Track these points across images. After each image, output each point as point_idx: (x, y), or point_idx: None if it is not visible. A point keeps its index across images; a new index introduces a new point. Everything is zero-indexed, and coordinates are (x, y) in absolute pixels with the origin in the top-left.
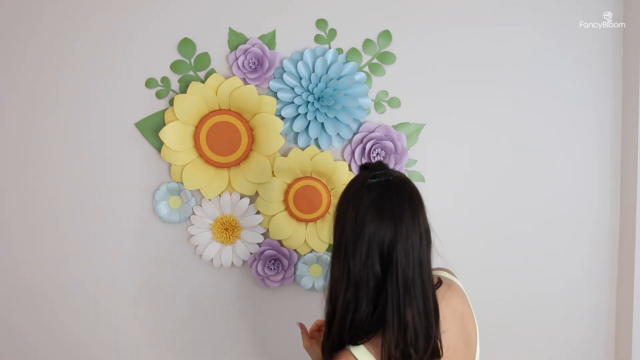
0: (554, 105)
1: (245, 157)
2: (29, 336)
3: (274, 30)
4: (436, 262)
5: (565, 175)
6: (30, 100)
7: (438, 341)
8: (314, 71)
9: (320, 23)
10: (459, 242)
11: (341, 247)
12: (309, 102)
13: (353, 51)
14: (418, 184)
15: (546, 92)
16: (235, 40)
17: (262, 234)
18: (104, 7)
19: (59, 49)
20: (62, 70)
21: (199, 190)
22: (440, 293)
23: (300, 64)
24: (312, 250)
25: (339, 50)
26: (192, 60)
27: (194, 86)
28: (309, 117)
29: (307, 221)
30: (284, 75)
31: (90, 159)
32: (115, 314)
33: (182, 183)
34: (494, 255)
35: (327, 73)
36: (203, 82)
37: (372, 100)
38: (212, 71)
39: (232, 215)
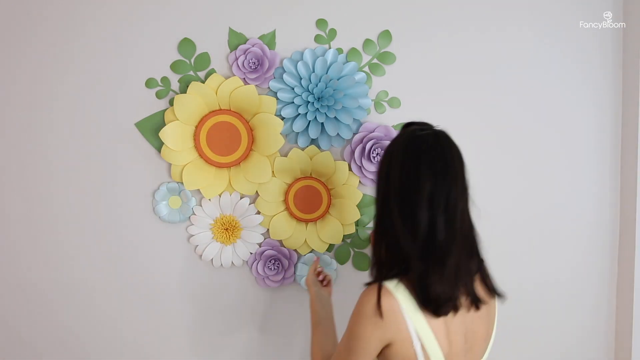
0: (554, 105)
1: (245, 157)
2: (29, 336)
3: (274, 30)
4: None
5: (566, 175)
6: (30, 101)
7: (475, 292)
8: (314, 71)
9: (320, 23)
10: None
11: (397, 196)
12: (309, 102)
13: (353, 51)
14: None
15: (546, 91)
16: (235, 40)
17: (262, 234)
18: (104, 7)
19: (59, 49)
20: (62, 70)
21: (199, 190)
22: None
23: (300, 64)
24: (312, 250)
25: (339, 50)
26: (192, 60)
27: (194, 86)
28: (309, 117)
29: (307, 221)
30: (284, 75)
31: (91, 159)
32: (115, 314)
33: (182, 183)
34: (494, 255)
35: (327, 73)
36: (203, 82)
37: (372, 100)
38: (212, 71)
39: (232, 215)
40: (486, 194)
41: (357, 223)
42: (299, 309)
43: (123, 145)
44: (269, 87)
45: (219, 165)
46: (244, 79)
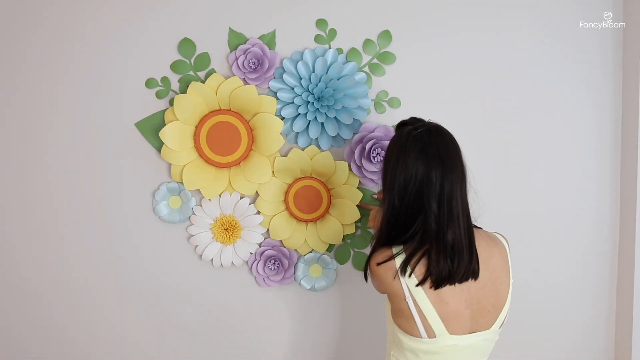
0: (554, 105)
1: (245, 157)
2: (28, 336)
3: (274, 30)
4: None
5: (566, 175)
6: (30, 101)
7: (475, 264)
8: (314, 71)
9: (320, 23)
10: None
11: (395, 192)
12: (309, 102)
13: (353, 51)
14: None
15: (546, 91)
16: (235, 40)
17: (262, 234)
18: (104, 7)
19: (59, 49)
20: (62, 70)
21: (199, 190)
22: (480, 233)
23: (300, 64)
24: (312, 250)
25: (339, 50)
26: (192, 60)
27: (194, 86)
28: (309, 117)
29: (307, 221)
30: (284, 75)
31: (91, 159)
32: (115, 313)
33: (182, 183)
34: None
35: (327, 73)
36: (203, 82)
37: (372, 100)
38: (212, 71)
39: (232, 215)
40: (486, 193)
41: (357, 223)
42: (299, 309)
43: (123, 145)
44: (269, 87)
45: (219, 165)
46: (244, 79)
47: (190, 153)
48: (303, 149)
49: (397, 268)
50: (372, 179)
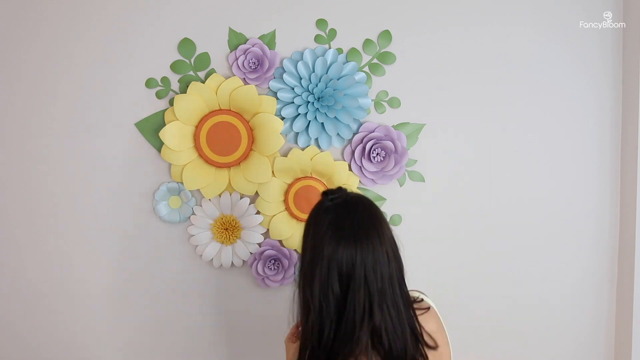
0: (554, 105)
1: (245, 157)
2: (29, 336)
3: (274, 30)
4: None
5: (566, 175)
6: (30, 101)
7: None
8: (314, 71)
9: (320, 23)
10: (458, 241)
11: (302, 273)
12: (309, 102)
13: (353, 51)
14: (418, 184)
15: (546, 92)
16: (235, 40)
17: (262, 234)
18: (104, 7)
19: (59, 49)
20: (62, 70)
21: (199, 190)
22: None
23: (300, 64)
24: None
25: (339, 50)
26: (192, 60)
27: (194, 86)
28: (309, 117)
29: None
30: (284, 75)
31: (90, 158)
32: (115, 313)
33: (182, 183)
34: (494, 255)
35: (327, 73)
36: (203, 82)
37: (372, 100)
38: (212, 71)
39: (232, 215)
40: (485, 194)
41: None
42: None
43: (123, 145)
44: (269, 87)
45: (219, 165)
46: (244, 79)
47: (190, 153)
48: (303, 149)
49: None
50: (372, 179)
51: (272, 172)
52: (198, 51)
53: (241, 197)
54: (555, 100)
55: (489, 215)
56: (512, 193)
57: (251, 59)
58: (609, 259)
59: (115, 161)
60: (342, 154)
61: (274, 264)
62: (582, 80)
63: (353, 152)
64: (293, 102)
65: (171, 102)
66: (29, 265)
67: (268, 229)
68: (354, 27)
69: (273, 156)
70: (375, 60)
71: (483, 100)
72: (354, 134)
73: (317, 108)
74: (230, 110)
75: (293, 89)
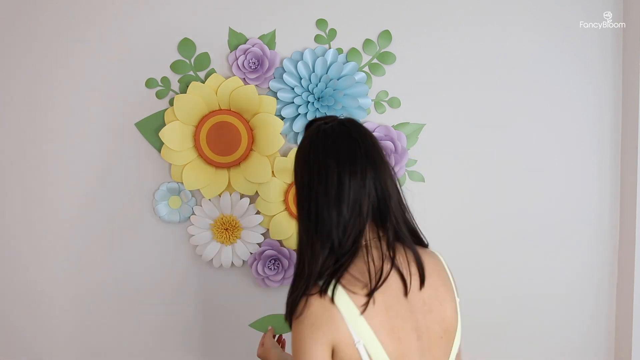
0: (554, 105)
1: (245, 157)
2: (29, 336)
3: (274, 30)
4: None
5: (566, 175)
6: (30, 100)
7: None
8: (314, 71)
9: (320, 23)
10: (458, 241)
11: (318, 198)
12: (309, 102)
13: (353, 51)
14: (418, 184)
15: (546, 92)
16: (235, 40)
17: (262, 234)
18: (104, 7)
19: (59, 49)
20: (62, 70)
21: (199, 190)
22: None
23: (300, 64)
24: None
25: (339, 50)
26: (192, 60)
27: (194, 86)
28: (309, 117)
29: None
30: (284, 75)
31: (90, 158)
32: (115, 313)
33: (182, 183)
34: (494, 255)
35: (327, 73)
36: (203, 82)
37: (372, 100)
38: (212, 71)
39: (232, 215)
40: (485, 194)
41: None
42: None
43: (123, 145)
44: (269, 87)
45: (219, 165)
46: (244, 79)
47: (190, 153)
48: None
49: (338, 308)
50: None
51: (272, 172)
52: (198, 51)
53: (241, 197)
54: (555, 100)
55: (489, 215)
56: (512, 193)
57: (251, 59)
58: (609, 259)
59: (115, 161)
60: None
61: (274, 264)
62: (582, 80)
63: None
64: (293, 102)
65: (171, 102)
66: (28, 266)
67: (268, 229)
68: (354, 27)
69: (273, 156)
70: (375, 60)
71: (483, 100)
72: None
73: (317, 108)
74: (230, 110)
75: (293, 89)
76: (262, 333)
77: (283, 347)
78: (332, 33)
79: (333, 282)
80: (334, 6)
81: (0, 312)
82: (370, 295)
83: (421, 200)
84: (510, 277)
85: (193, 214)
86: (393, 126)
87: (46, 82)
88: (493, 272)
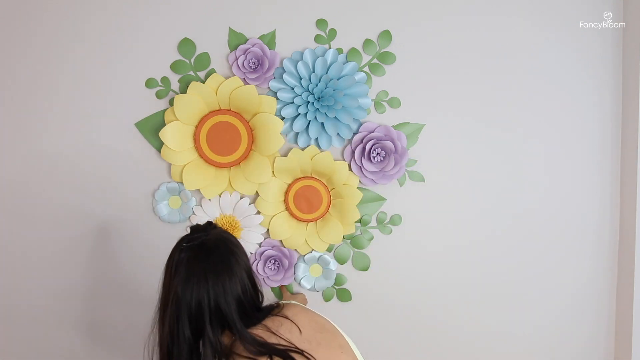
0: (554, 105)
1: (245, 157)
2: (28, 336)
3: (274, 30)
4: None
5: (566, 175)
6: (30, 100)
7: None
8: (314, 71)
9: (320, 23)
10: (458, 242)
11: (158, 311)
12: (309, 102)
13: (353, 51)
14: (418, 184)
15: (546, 92)
16: (235, 40)
17: (262, 234)
18: (104, 7)
19: (59, 49)
20: (62, 70)
21: (199, 190)
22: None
23: (300, 64)
24: (313, 250)
25: (339, 50)
26: (192, 60)
27: (194, 86)
28: (309, 117)
29: (307, 221)
30: (284, 75)
31: (90, 159)
32: (115, 314)
33: (182, 183)
34: (494, 255)
35: (327, 73)
36: (203, 82)
37: (372, 100)
38: (212, 71)
39: (232, 215)
40: (486, 194)
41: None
42: None
43: (123, 145)
44: (269, 87)
45: (219, 165)
46: (244, 79)
47: (190, 153)
48: (303, 149)
49: None
50: (372, 179)
51: (272, 172)
52: (198, 51)
53: (241, 197)
54: (555, 100)
55: (489, 215)
56: (512, 193)
57: (251, 59)
58: (609, 260)
59: (115, 161)
60: (342, 154)
61: (274, 264)
62: (582, 80)
63: (353, 152)
64: (293, 102)
65: (171, 102)
66: (28, 266)
67: (268, 229)
68: (354, 27)
69: (273, 156)
70: (375, 60)
71: (483, 100)
72: (354, 134)
73: (317, 108)
74: (230, 110)
75: (293, 89)
76: None
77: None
78: (332, 33)
79: None
80: (334, 6)
81: (0, 312)
82: None
83: (421, 200)
84: (510, 277)
85: (193, 214)
86: (393, 126)
87: (46, 81)
88: (492, 272)
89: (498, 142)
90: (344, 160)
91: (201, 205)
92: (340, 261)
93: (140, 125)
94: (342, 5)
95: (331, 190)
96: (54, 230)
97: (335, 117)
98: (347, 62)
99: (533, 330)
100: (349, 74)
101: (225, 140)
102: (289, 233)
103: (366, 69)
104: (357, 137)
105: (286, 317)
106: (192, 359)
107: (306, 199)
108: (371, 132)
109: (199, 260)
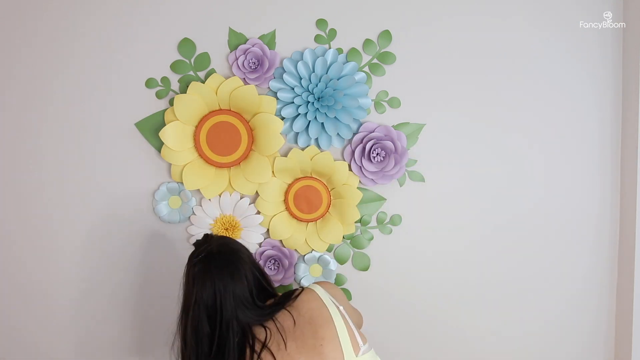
0: (554, 105)
1: (245, 157)
2: (28, 336)
3: (274, 30)
4: None
5: (566, 176)
6: (29, 100)
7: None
8: (314, 71)
9: (320, 23)
10: (458, 242)
11: (182, 317)
12: (309, 102)
13: (353, 51)
14: (418, 184)
15: (546, 92)
16: (235, 40)
17: (262, 234)
18: (103, 7)
19: (58, 49)
20: (61, 70)
21: (199, 190)
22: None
23: (300, 64)
24: (313, 250)
25: (339, 50)
26: (192, 60)
27: (194, 86)
28: (309, 117)
29: (307, 221)
30: (284, 75)
31: (90, 159)
32: (115, 314)
33: (182, 183)
34: (494, 255)
35: (327, 73)
36: (203, 82)
37: (372, 100)
38: (212, 71)
39: (232, 215)
40: (486, 194)
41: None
42: None
43: (123, 146)
44: (269, 87)
45: (219, 165)
46: (244, 79)
47: (190, 153)
48: (303, 149)
49: None
50: (372, 179)
51: (272, 172)
52: (198, 51)
53: (241, 197)
54: (555, 101)
55: (489, 215)
56: (512, 193)
57: (251, 59)
58: (609, 260)
59: (115, 161)
60: (342, 154)
61: (274, 264)
62: (582, 80)
63: (353, 152)
64: (293, 102)
65: (171, 102)
66: (28, 266)
67: (268, 229)
68: (354, 27)
69: (273, 156)
70: (375, 60)
71: (483, 100)
72: (354, 134)
73: (317, 108)
74: (230, 110)
75: (293, 89)
76: None
77: None
78: (332, 33)
79: None
80: (334, 6)
81: (1, 312)
82: None
83: (421, 200)
84: (510, 277)
85: (193, 214)
86: (393, 126)
87: (46, 81)
88: (492, 271)
89: (498, 142)
90: (344, 160)
91: (201, 205)
92: (340, 261)
93: (140, 125)
94: (342, 5)
95: (331, 190)
96: (53, 230)
97: (335, 117)
98: (347, 62)
99: (533, 330)
100: (349, 74)
101: (225, 140)
102: (289, 233)
103: (366, 69)
104: (357, 137)
105: (291, 307)
106: (212, 349)
107: (306, 199)
108: (371, 132)
109: (211, 267)
